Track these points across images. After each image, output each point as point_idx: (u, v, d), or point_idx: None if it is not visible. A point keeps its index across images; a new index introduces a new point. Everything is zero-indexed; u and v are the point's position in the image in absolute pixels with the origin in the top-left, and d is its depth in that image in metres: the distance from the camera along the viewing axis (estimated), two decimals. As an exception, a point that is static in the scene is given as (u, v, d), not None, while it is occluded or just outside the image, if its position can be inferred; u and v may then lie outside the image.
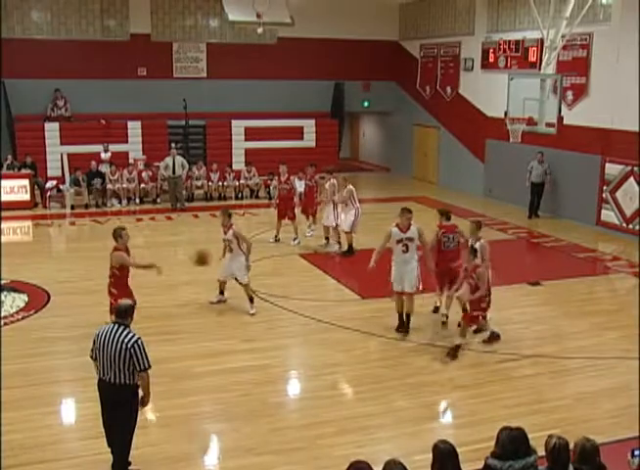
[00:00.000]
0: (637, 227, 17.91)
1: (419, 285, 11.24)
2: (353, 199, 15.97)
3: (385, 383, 9.56)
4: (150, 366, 6.84)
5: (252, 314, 12.17)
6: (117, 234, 10.91)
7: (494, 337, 11.02)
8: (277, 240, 17.24)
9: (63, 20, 24.27)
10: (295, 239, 17.12)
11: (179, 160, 22.07)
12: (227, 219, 12.36)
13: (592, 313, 12.65)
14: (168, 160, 21.92)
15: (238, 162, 24.81)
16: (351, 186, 16.03)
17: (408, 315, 11.38)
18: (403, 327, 11.36)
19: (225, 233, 12.34)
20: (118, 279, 10.68)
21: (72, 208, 21.38)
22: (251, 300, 12.35)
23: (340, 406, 8.95)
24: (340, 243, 16.58)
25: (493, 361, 10.36)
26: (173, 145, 24.17)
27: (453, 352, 10.46)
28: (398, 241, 11.09)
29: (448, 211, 12.32)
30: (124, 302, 7.00)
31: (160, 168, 22.37)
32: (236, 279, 12.45)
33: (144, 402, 7.11)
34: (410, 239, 11.11)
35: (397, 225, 11.15)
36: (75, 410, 8.88)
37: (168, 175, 21.82)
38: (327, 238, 16.89)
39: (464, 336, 10.66)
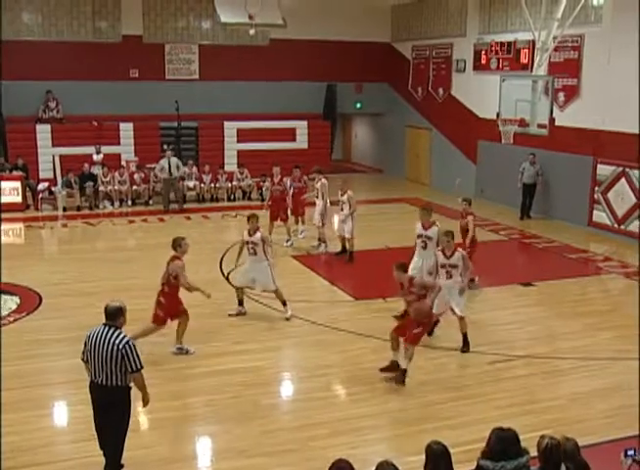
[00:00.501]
0: (629, 228, 17.96)
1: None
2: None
3: (377, 384, 9.56)
4: (142, 367, 6.82)
5: (288, 319, 12.03)
6: (177, 243, 10.67)
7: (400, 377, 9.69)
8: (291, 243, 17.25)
9: (54, 21, 24.20)
10: (287, 240, 17.11)
11: (174, 161, 22.05)
12: (256, 222, 12.11)
13: (584, 314, 12.68)
14: (164, 162, 21.88)
15: (230, 163, 24.78)
16: (350, 192, 15.87)
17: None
18: None
19: (251, 235, 12.02)
20: (172, 289, 10.44)
21: (64, 210, 21.33)
22: (285, 303, 12.15)
23: (332, 408, 8.94)
24: (325, 242, 16.63)
25: (486, 362, 10.38)
26: (166, 147, 24.13)
27: (401, 379, 9.58)
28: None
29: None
30: (113, 303, 6.96)
31: (155, 170, 22.33)
32: (250, 288, 12.28)
33: (145, 402, 7.10)
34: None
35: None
36: (68, 413, 8.85)
37: (164, 177, 21.78)
38: (320, 239, 16.89)
39: (409, 359, 9.64)
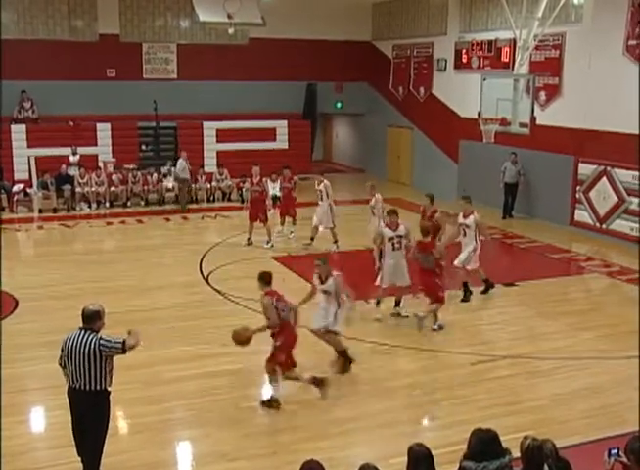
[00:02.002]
0: (611, 227, 18.10)
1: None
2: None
3: (360, 386, 9.59)
4: (124, 341, 6.77)
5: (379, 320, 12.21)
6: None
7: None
8: (250, 243, 17.20)
9: (29, 19, 24.00)
10: (267, 242, 17.10)
11: (184, 163, 22.06)
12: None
13: (566, 314, 12.77)
14: (185, 161, 21.80)
15: (210, 164, 24.73)
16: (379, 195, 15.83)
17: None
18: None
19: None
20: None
21: (40, 211, 21.21)
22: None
23: (314, 410, 8.95)
24: (336, 242, 16.71)
25: (468, 363, 10.43)
26: (144, 147, 24.10)
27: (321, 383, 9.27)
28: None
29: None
30: (91, 307, 6.92)
31: (176, 170, 22.18)
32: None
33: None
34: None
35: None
36: (46, 419, 8.80)
37: (184, 177, 21.71)
38: (312, 238, 16.88)
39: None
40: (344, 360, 10.03)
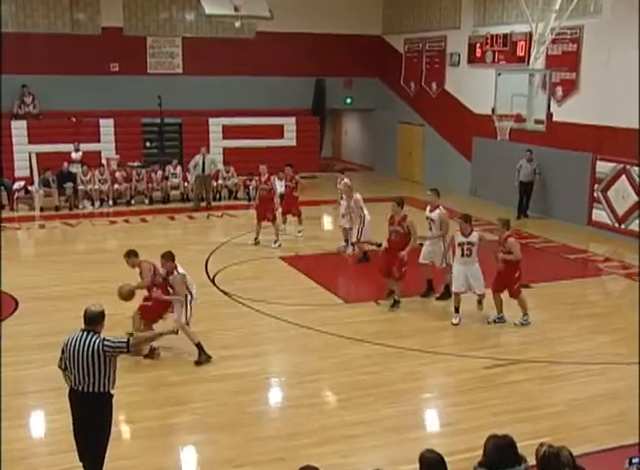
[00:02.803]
0: (630, 227, 18.03)
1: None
2: (360, 208, 15.80)
3: (369, 390, 9.56)
4: (129, 340, 6.85)
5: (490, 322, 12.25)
6: None
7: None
8: (257, 242, 17.21)
9: (29, 12, 24.06)
10: (275, 241, 17.10)
11: (209, 158, 22.25)
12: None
13: (583, 317, 12.72)
14: (198, 158, 22.06)
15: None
16: (358, 195, 15.94)
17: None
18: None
19: (467, 236, 11.96)
20: None
21: (42, 210, 21.25)
22: (480, 301, 12.45)
23: (322, 415, 8.95)
24: (353, 245, 16.48)
25: (481, 367, 10.39)
26: (148, 144, 24.18)
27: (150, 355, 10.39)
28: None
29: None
30: (94, 308, 6.93)
31: (189, 166, 22.49)
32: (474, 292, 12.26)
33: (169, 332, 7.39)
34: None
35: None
36: (45, 423, 8.80)
37: (197, 174, 21.84)
38: (347, 240, 16.72)
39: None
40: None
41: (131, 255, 10.85)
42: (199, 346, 10.40)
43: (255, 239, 17.25)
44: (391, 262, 12.50)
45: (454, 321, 12.14)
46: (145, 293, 10.80)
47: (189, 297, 10.59)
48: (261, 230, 17.27)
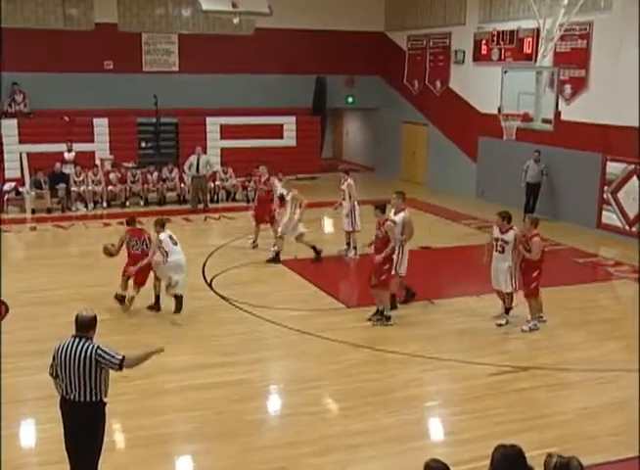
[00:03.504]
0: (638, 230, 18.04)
1: None
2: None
3: (370, 398, 9.55)
4: (123, 357, 6.74)
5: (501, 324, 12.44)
6: None
7: None
8: (255, 246, 17.20)
9: (19, 7, 24.01)
10: (274, 245, 17.07)
11: (204, 158, 22.32)
12: (506, 222, 12.28)
13: (593, 322, 12.71)
14: (192, 158, 22.18)
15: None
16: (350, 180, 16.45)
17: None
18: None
19: (503, 233, 12.22)
20: None
21: (33, 212, 21.25)
22: (507, 311, 12.50)
23: (323, 424, 8.93)
24: (355, 248, 16.47)
25: (486, 374, 10.38)
26: (144, 144, 24.18)
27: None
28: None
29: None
30: (86, 313, 6.89)
31: (184, 167, 22.61)
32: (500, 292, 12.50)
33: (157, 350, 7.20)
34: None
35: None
36: (36, 432, 8.77)
37: (192, 175, 21.90)
38: (348, 243, 16.71)
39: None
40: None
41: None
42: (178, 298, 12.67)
43: (254, 242, 17.24)
44: (372, 270, 12.36)
45: (500, 322, 12.40)
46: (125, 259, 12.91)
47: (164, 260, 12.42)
48: (260, 233, 17.26)
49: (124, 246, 12.94)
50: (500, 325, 12.36)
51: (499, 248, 12.20)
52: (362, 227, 16.17)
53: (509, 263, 12.12)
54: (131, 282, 12.78)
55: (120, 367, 6.73)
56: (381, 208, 12.41)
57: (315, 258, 16.14)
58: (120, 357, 6.72)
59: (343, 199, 16.65)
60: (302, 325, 12.16)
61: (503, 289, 12.33)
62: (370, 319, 12.40)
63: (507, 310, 12.53)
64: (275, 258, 16.05)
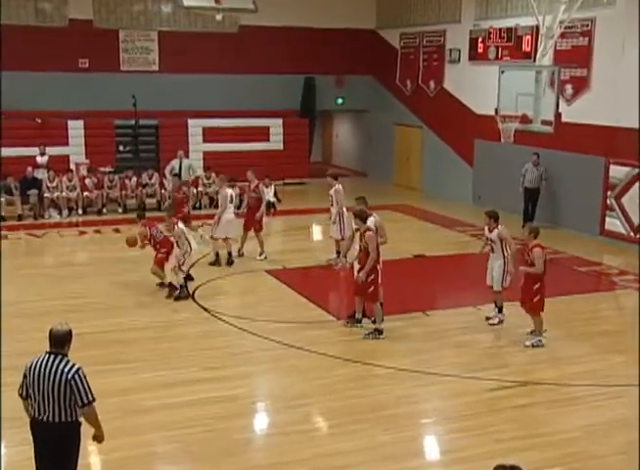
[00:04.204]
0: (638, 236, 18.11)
1: None
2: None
3: (362, 415, 9.53)
4: (94, 399, 6.71)
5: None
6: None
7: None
8: (241, 254, 17.18)
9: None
10: (260, 253, 17.08)
11: (186, 163, 22.28)
12: (492, 221, 12.83)
13: (597, 334, 12.73)
14: (174, 162, 22.13)
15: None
16: (339, 186, 16.53)
17: None
18: None
19: (490, 232, 12.82)
20: None
21: (3, 219, 21.11)
22: (500, 310, 12.98)
23: (312, 443, 8.91)
24: (345, 256, 16.40)
25: (484, 389, 10.38)
26: (122, 148, 24.09)
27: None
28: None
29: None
30: (61, 327, 6.81)
31: (165, 171, 22.66)
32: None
33: (99, 439, 6.97)
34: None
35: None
36: (6, 456, 8.63)
37: (174, 180, 21.84)
38: (338, 252, 16.67)
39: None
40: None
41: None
42: (183, 286, 14.17)
43: (239, 250, 17.22)
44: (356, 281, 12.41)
45: (493, 322, 12.92)
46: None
47: (188, 248, 14.03)
48: (246, 241, 17.27)
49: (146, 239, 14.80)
50: (493, 325, 12.80)
51: (490, 247, 12.84)
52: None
53: (500, 262, 12.62)
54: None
55: (84, 406, 6.63)
56: (361, 216, 12.38)
57: (213, 262, 16.58)
58: (91, 399, 6.65)
59: (331, 205, 16.70)
60: (290, 338, 12.13)
61: (494, 287, 12.78)
62: (347, 323, 12.76)
63: (500, 309, 12.87)
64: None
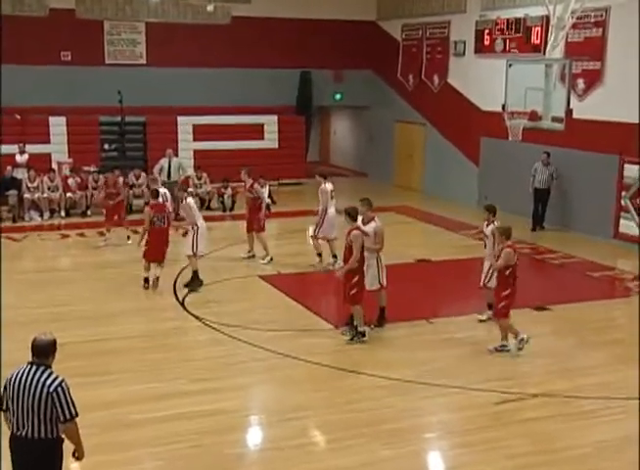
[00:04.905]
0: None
1: None
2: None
3: (362, 429, 9.50)
4: (77, 414, 6.65)
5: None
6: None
7: None
8: (251, 256, 17.41)
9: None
10: (264, 257, 17.11)
11: (176, 162, 22.38)
12: (491, 215, 13.32)
13: (610, 343, 12.71)
14: (163, 162, 22.24)
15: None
16: (329, 185, 16.83)
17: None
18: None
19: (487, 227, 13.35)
20: None
21: (-20, 222, 21.12)
22: (490, 307, 13.22)
23: (309, 458, 8.88)
24: (335, 256, 16.53)
25: (492, 402, 10.36)
26: (107, 146, 24.03)
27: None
28: None
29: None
30: (44, 337, 6.76)
31: (153, 171, 22.67)
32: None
33: (78, 456, 6.91)
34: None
35: None
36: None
37: (163, 180, 21.87)
38: (334, 256, 16.74)
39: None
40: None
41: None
42: (195, 273, 15.14)
43: (249, 252, 17.37)
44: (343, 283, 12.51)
45: (481, 317, 13.40)
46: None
47: (196, 227, 15.08)
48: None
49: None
50: (481, 321, 13.27)
51: (484, 243, 13.48)
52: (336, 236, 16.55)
53: (490, 260, 12.86)
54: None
55: (65, 421, 6.58)
56: (351, 214, 12.44)
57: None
58: (74, 414, 6.59)
59: (321, 204, 16.88)
60: (286, 347, 12.10)
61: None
62: (343, 333, 12.72)
63: (489, 306, 13.07)
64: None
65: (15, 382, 6.62)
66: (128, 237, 18.65)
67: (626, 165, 18.90)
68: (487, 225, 13.19)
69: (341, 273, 12.30)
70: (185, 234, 15.78)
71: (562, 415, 10.05)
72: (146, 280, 15.17)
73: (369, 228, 12.65)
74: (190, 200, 15.49)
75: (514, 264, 11.83)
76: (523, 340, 12.02)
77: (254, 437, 9.77)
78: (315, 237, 16.89)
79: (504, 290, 11.90)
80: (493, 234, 12.73)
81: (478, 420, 9.85)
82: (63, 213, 22.13)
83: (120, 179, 19.84)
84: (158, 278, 15.15)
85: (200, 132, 25.83)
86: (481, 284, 13.21)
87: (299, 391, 10.73)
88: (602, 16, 19.35)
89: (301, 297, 14.93)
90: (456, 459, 8.95)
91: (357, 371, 11.27)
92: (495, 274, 12.35)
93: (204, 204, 23.44)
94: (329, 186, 16.83)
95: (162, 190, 17.03)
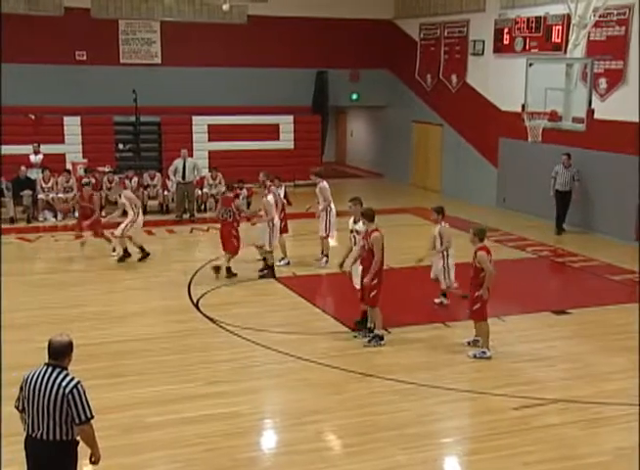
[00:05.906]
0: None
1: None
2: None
3: (378, 434, 9.50)
4: (92, 416, 6.67)
5: None
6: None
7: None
8: (287, 263, 17.39)
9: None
10: (282, 259, 17.14)
11: (191, 162, 22.42)
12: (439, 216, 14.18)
13: (633, 349, 12.60)
14: (178, 162, 22.25)
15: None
16: (325, 183, 17.18)
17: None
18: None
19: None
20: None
21: (-5, 222, 21.22)
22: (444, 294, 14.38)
23: (325, 463, 8.87)
24: (327, 256, 16.86)
25: (511, 407, 10.33)
26: (122, 146, 24.08)
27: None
28: None
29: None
30: (60, 338, 6.79)
31: (168, 172, 22.76)
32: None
33: (95, 459, 6.94)
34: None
35: None
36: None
37: (178, 181, 21.92)
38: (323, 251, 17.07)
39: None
40: None
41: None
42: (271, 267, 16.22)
43: (282, 258, 17.41)
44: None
45: (436, 301, 14.39)
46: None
47: (272, 224, 16.03)
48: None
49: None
50: (440, 303, 14.39)
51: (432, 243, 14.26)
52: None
53: (442, 262, 14.23)
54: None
55: (80, 423, 6.60)
56: (368, 215, 12.40)
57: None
58: (89, 416, 6.62)
59: (317, 203, 17.11)
60: (301, 350, 12.12)
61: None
62: (355, 336, 12.78)
63: (444, 294, 14.38)
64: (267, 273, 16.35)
65: (30, 383, 6.65)
66: (114, 249, 18.00)
67: (648, 167, 18.84)
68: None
69: (368, 279, 12.11)
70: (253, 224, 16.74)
71: (582, 421, 10.01)
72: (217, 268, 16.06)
73: (359, 227, 12.86)
74: (270, 197, 16.16)
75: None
76: (483, 351, 12.03)
77: (269, 440, 9.78)
78: (327, 236, 16.98)
79: (476, 291, 11.85)
80: (440, 235, 14.00)
81: (496, 425, 9.82)
82: (77, 214, 22.15)
83: (96, 195, 19.23)
84: (218, 267, 16.04)
85: (215, 132, 25.90)
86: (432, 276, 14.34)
87: (315, 394, 10.74)
88: (625, 14, 19.26)
89: (318, 299, 14.97)
90: (474, 465, 8.94)
91: (374, 375, 11.25)
92: (452, 272, 14.04)
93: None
94: (325, 184, 17.04)
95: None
